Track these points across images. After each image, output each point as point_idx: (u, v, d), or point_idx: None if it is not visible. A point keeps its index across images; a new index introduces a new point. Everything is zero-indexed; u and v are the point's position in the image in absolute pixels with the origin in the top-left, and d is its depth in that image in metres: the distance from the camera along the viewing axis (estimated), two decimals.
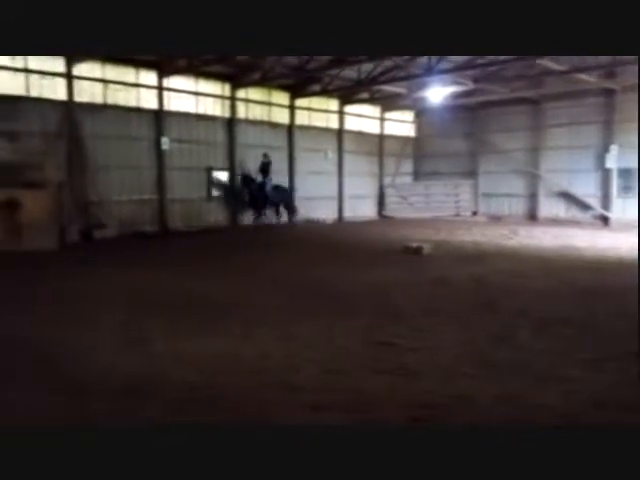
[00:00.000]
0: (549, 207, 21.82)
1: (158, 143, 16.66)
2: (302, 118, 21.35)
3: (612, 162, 19.87)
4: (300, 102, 21.04)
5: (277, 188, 18.87)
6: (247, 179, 18.18)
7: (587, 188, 20.67)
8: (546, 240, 14.54)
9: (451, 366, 4.51)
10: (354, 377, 4.26)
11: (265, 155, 18.66)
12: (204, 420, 3.39)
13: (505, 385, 4.03)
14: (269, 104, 20.24)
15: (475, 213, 23.84)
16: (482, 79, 20.08)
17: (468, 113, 23.38)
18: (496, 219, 22.46)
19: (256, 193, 18.19)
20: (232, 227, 18.67)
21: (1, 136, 13.22)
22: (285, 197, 19.33)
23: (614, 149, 19.79)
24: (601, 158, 20.20)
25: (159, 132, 16.71)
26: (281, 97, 20.53)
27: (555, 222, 20.53)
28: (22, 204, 11.81)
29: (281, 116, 20.63)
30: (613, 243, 13.73)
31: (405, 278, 8.79)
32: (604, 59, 17.00)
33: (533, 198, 22.33)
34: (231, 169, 18.89)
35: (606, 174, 20.21)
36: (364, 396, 3.84)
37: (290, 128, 20.86)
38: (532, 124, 22.16)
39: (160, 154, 16.72)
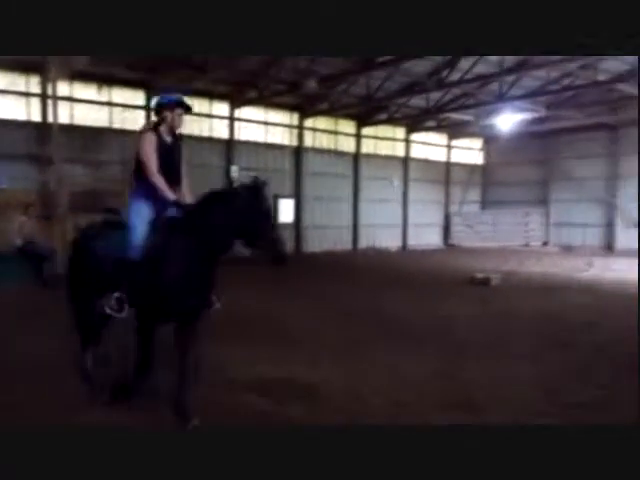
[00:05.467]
0: (627, 238, 20.69)
1: (228, 171, 17.24)
2: (368, 146, 21.51)
3: None
4: (366, 130, 21.23)
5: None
6: None
7: None
8: (625, 273, 13.75)
9: (521, 403, 4.32)
10: (418, 411, 4.16)
11: None
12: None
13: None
14: (335, 133, 20.54)
15: (546, 243, 22.97)
16: (556, 105, 19.53)
17: (539, 140, 22.76)
18: (569, 250, 21.52)
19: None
20: (297, 254, 18.89)
21: (86, 164, 14.12)
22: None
23: None
24: None
25: (229, 160, 17.32)
26: (347, 126, 20.79)
27: (634, 254, 19.40)
28: None
29: (347, 144, 20.87)
30: None
31: (472, 311, 8.56)
32: None
33: (610, 228, 21.30)
34: (297, 196, 19.22)
35: None
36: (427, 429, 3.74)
37: (356, 156, 21.04)
38: (609, 151, 21.28)
39: (229, 182, 17.27)
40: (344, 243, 20.81)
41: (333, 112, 19.37)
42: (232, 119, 17.45)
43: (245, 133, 17.91)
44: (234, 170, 17.29)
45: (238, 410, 4.09)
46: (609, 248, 21.11)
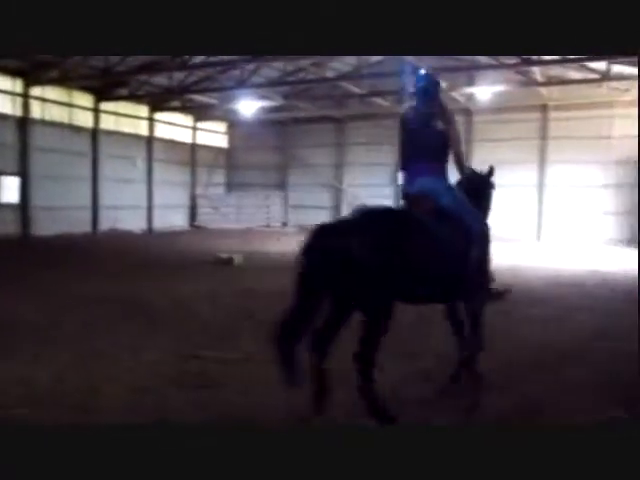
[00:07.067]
0: None
1: None
2: (108, 123, 20.21)
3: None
4: (106, 106, 19.90)
5: None
6: None
7: (384, 201, 22.86)
8: None
9: (253, 377, 4.69)
10: (160, 394, 4.22)
11: None
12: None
13: None
14: (70, 105, 18.78)
15: (285, 224, 24.84)
16: (291, 96, 21.11)
17: (279, 128, 24.34)
18: (305, 230, 23.66)
19: None
20: (24, 239, 16.86)
21: None
22: None
23: None
24: (394, 175, 22.60)
25: None
26: (84, 99, 19.21)
27: None
28: None
29: (84, 119, 19.29)
30: None
31: (215, 290, 8.86)
32: (395, 86, 19.04)
33: (337, 210, 24.04)
34: (24, 175, 17.09)
35: (398, 189, 22.62)
36: (171, 414, 3.81)
37: (94, 132, 19.59)
38: (336, 141, 23.91)
39: None
40: (82, 225, 19.29)
41: (67, 82, 17.67)
42: None
43: None
44: None
45: None
46: None
